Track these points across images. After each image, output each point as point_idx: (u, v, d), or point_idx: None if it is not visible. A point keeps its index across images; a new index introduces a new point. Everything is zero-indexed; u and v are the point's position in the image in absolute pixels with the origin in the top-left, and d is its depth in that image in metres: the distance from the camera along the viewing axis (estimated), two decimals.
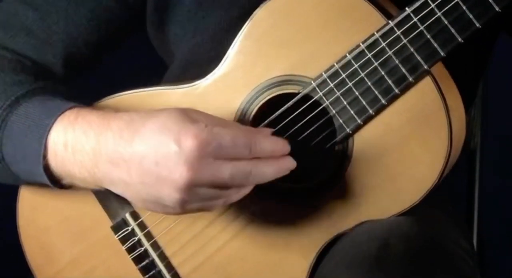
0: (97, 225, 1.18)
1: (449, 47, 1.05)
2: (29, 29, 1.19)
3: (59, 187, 1.11)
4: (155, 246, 1.17)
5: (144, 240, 1.17)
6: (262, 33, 1.12)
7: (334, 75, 1.09)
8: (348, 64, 1.09)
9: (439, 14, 1.05)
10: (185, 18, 1.21)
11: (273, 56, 1.11)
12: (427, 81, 1.07)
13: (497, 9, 1.03)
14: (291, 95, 1.11)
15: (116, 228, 1.17)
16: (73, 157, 1.06)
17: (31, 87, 1.13)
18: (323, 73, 1.10)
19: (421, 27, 1.06)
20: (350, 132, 1.10)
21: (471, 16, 1.04)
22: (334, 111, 1.10)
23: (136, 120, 1.04)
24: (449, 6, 1.04)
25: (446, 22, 1.05)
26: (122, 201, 1.16)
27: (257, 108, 1.12)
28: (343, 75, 1.09)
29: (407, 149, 1.09)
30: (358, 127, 1.10)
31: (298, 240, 1.14)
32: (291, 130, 1.12)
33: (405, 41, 1.06)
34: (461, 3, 1.04)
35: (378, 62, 1.08)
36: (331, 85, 1.09)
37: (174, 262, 1.17)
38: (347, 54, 1.09)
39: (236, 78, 1.13)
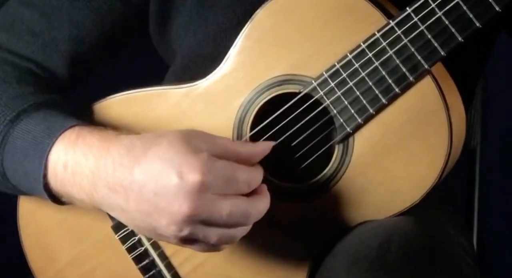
0: (97, 225, 1.18)
1: (450, 47, 1.05)
2: (34, 32, 1.19)
3: (59, 203, 1.11)
4: (156, 245, 1.17)
5: (144, 240, 1.17)
6: (263, 33, 1.12)
7: (335, 75, 1.09)
8: (348, 64, 1.09)
9: (439, 14, 1.05)
10: (187, 17, 1.21)
11: (274, 56, 1.12)
12: (427, 81, 1.08)
13: (497, 9, 1.03)
14: (292, 94, 1.11)
15: (116, 228, 1.17)
16: (72, 178, 1.06)
17: (33, 101, 1.13)
18: (324, 72, 1.10)
19: (422, 27, 1.06)
20: (351, 131, 1.10)
21: (471, 16, 1.04)
22: (334, 111, 1.10)
23: (137, 146, 1.03)
24: (449, 6, 1.04)
25: (446, 22, 1.05)
26: None
27: (258, 108, 1.12)
28: (344, 75, 1.09)
29: (407, 148, 1.09)
30: (358, 127, 1.10)
31: (297, 239, 1.14)
32: (292, 130, 1.12)
33: (405, 40, 1.06)
34: (461, 3, 1.04)
35: (378, 61, 1.08)
36: (332, 84, 1.09)
37: (174, 261, 1.17)
38: (348, 54, 1.09)
39: (237, 78, 1.13)
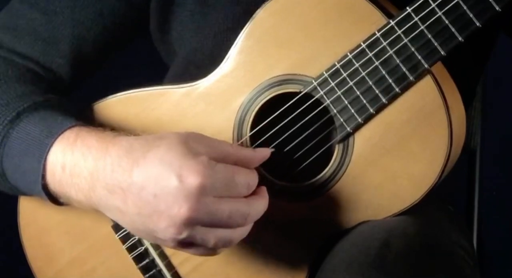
0: (97, 225, 1.18)
1: (450, 47, 1.06)
2: (36, 32, 1.19)
3: (57, 204, 1.11)
4: (156, 245, 1.17)
5: (144, 239, 1.17)
6: (263, 33, 1.12)
7: (335, 74, 1.09)
8: (349, 63, 1.09)
9: (439, 13, 1.05)
10: (188, 17, 1.21)
11: (274, 55, 1.12)
12: (427, 80, 1.08)
13: (497, 8, 1.03)
14: (292, 94, 1.11)
15: (116, 227, 1.17)
16: (71, 179, 1.06)
17: (33, 101, 1.13)
18: (324, 72, 1.10)
19: (422, 27, 1.06)
20: (351, 131, 1.10)
21: (471, 16, 1.04)
22: (335, 110, 1.10)
23: (136, 149, 1.02)
24: (449, 5, 1.04)
25: (446, 22, 1.05)
26: None
27: (258, 108, 1.12)
28: (344, 74, 1.09)
29: (407, 147, 1.09)
30: (358, 126, 1.10)
31: (297, 238, 1.14)
32: (292, 130, 1.12)
33: (406, 40, 1.06)
34: (461, 3, 1.04)
35: (379, 61, 1.08)
36: (332, 84, 1.10)
37: (175, 261, 1.17)
38: (348, 54, 1.09)
39: (237, 78, 1.13)
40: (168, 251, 1.17)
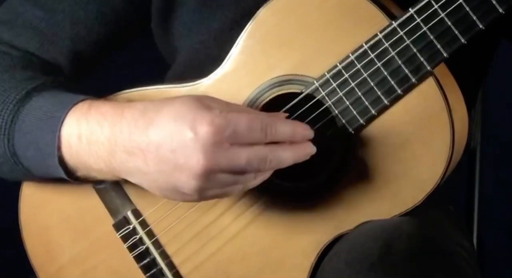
0: (99, 223, 1.18)
1: (452, 49, 1.05)
2: (36, 28, 1.19)
3: (73, 179, 1.11)
4: (157, 244, 1.17)
5: (145, 239, 1.17)
6: (265, 32, 1.12)
7: (337, 75, 1.09)
8: (351, 64, 1.09)
9: (442, 15, 1.05)
10: (189, 17, 1.21)
11: (276, 55, 1.11)
12: (430, 82, 1.07)
13: (500, 10, 1.03)
14: (294, 95, 1.11)
15: (117, 226, 1.17)
16: (88, 148, 1.06)
17: (42, 81, 1.13)
18: (326, 73, 1.10)
19: (424, 28, 1.06)
20: (352, 132, 1.10)
21: (474, 18, 1.04)
22: (336, 111, 1.10)
23: (150, 109, 1.04)
24: (452, 7, 1.04)
25: (449, 23, 1.05)
26: (124, 199, 1.17)
27: (260, 108, 1.12)
28: (346, 75, 1.09)
29: (409, 149, 1.09)
30: (360, 128, 1.10)
31: (299, 240, 1.14)
32: None
33: (408, 42, 1.06)
34: (464, 4, 1.04)
35: (381, 62, 1.08)
36: (334, 85, 1.09)
37: (176, 260, 1.17)
38: (350, 54, 1.09)
39: (238, 78, 1.13)
40: (169, 251, 1.17)
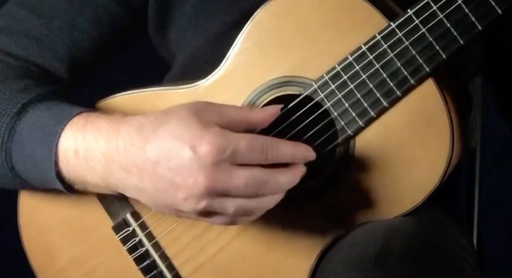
0: (98, 225, 1.18)
1: (451, 50, 1.05)
2: (33, 35, 1.18)
3: (72, 191, 1.11)
4: (156, 246, 1.17)
5: (145, 241, 1.17)
6: (263, 34, 1.11)
7: (336, 77, 1.09)
8: (349, 66, 1.08)
9: (441, 16, 1.04)
10: (186, 21, 1.21)
11: (274, 57, 1.11)
12: (429, 84, 1.07)
13: (499, 11, 1.03)
14: (292, 96, 1.11)
15: (117, 228, 1.17)
16: (85, 163, 1.06)
17: (37, 92, 1.12)
18: (325, 74, 1.09)
19: (423, 29, 1.05)
20: (352, 134, 1.10)
21: (473, 19, 1.04)
22: (335, 113, 1.10)
23: (146, 126, 1.03)
24: (451, 8, 1.04)
25: (448, 25, 1.04)
26: (123, 201, 1.16)
27: None
28: (345, 77, 1.09)
29: (408, 151, 1.09)
30: (359, 130, 1.10)
31: (299, 242, 1.14)
32: (292, 132, 1.12)
33: (407, 43, 1.06)
34: (463, 5, 1.04)
35: (379, 64, 1.07)
36: (333, 87, 1.09)
37: (176, 262, 1.17)
38: (349, 56, 1.08)
39: (237, 80, 1.13)
40: (169, 252, 1.17)
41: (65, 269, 1.20)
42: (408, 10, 1.06)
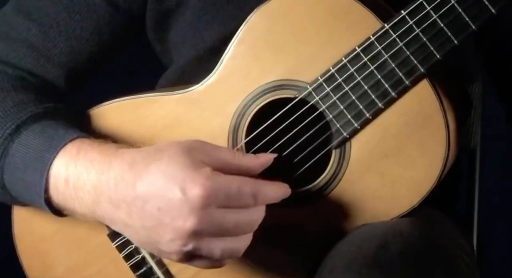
0: (93, 233, 1.17)
1: (445, 50, 1.05)
2: (30, 43, 1.18)
3: (60, 216, 1.11)
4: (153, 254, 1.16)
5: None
6: (257, 37, 1.11)
7: (330, 79, 1.08)
8: (344, 68, 1.08)
9: (435, 17, 1.04)
10: (185, 29, 1.20)
11: (268, 60, 1.11)
12: (424, 85, 1.07)
13: (493, 11, 1.02)
14: (288, 100, 1.11)
15: (112, 236, 1.17)
16: (74, 193, 1.06)
17: (32, 112, 1.12)
18: (319, 77, 1.09)
19: (417, 30, 1.05)
20: (347, 136, 1.09)
21: (467, 19, 1.03)
22: (330, 116, 1.09)
23: (138, 162, 1.02)
24: (445, 8, 1.04)
25: (441, 25, 1.04)
26: None
27: (253, 114, 1.11)
28: (339, 79, 1.08)
29: (405, 152, 1.09)
30: (355, 132, 1.09)
31: (297, 244, 1.14)
32: (288, 135, 1.11)
33: (401, 44, 1.06)
34: (456, 6, 1.03)
35: (374, 66, 1.07)
36: (328, 89, 1.09)
37: (172, 269, 1.17)
38: (343, 58, 1.08)
39: (231, 84, 1.12)
40: (166, 259, 1.16)
41: None
42: (402, 11, 1.06)
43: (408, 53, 1.05)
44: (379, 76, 1.07)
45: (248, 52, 1.11)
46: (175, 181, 1.00)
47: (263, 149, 1.12)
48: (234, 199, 1.01)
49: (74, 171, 1.06)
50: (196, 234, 1.00)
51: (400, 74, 1.06)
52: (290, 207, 1.12)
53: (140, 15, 1.21)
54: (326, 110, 1.09)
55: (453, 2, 1.03)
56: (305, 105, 1.10)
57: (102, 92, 1.17)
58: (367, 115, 1.08)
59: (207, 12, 1.18)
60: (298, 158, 1.13)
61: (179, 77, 1.23)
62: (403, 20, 1.05)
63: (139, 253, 1.17)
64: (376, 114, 1.08)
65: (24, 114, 1.11)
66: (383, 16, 1.08)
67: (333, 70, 1.08)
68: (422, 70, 1.05)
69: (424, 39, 1.05)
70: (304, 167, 1.13)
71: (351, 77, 1.08)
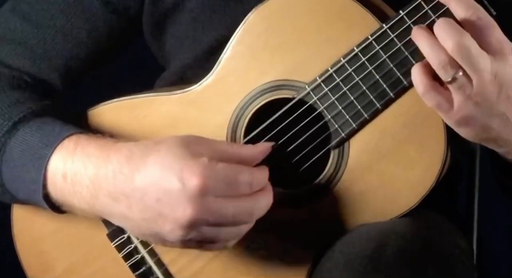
0: (93, 233, 1.17)
1: None
2: (27, 44, 1.18)
3: (59, 212, 1.11)
4: (152, 253, 1.17)
5: (140, 247, 1.17)
6: (255, 37, 1.11)
7: (329, 80, 1.08)
8: (342, 68, 1.08)
9: (433, 17, 1.04)
10: (183, 31, 1.20)
11: (266, 61, 1.11)
12: None
13: (493, 12, 1.02)
14: (286, 100, 1.10)
15: (112, 236, 1.17)
16: (72, 188, 1.07)
17: (29, 109, 1.12)
18: (317, 77, 1.09)
19: None
20: (346, 137, 1.09)
21: None
22: (329, 116, 1.09)
23: (136, 154, 1.03)
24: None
25: None
26: None
27: (251, 114, 1.11)
28: (338, 80, 1.08)
29: (403, 152, 1.09)
30: (353, 132, 1.09)
31: (296, 243, 1.14)
32: (287, 136, 1.11)
33: (399, 44, 1.05)
34: None
35: (372, 66, 1.07)
36: (326, 90, 1.09)
37: (172, 269, 1.17)
38: (341, 58, 1.08)
39: (229, 84, 1.12)
40: (165, 259, 1.16)
41: (61, 277, 1.20)
42: (400, 11, 1.05)
43: (406, 53, 1.05)
44: (378, 77, 1.07)
45: (246, 53, 1.11)
46: (173, 171, 1.00)
47: None
48: (232, 188, 1.02)
49: (72, 166, 1.06)
50: (195, 223, 1.01)
51: (399, 74, 1.06)
52: (288, 207, 1.12)
53: (137, 17, 1.21)
54: (325, 111, 1.09)
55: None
56: (304, 106, 1.10)
57: (101, 92, 1.17)
58: (365, 115, 1.08)
59: (205, 15, 1.18)
60: (297, 158, 1.13)
61: (177, 78, 1.23)
62: (401, 20, 1.05)
63: (138, 252, 1.17)
64: (374, 115, 1.08)
65: (21, 112, 1.12)
66: (382, 16, 1.08)
67: (331, 71, 1.08)
68: None
69: None
70: (303, 167, 1.13)
71: (349, 77, 1.08)
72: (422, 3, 1.04)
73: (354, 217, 1.12)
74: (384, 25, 1.06)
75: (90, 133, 1.10)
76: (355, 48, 1.07)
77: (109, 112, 1.16)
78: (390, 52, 1.06)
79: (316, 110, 1.10)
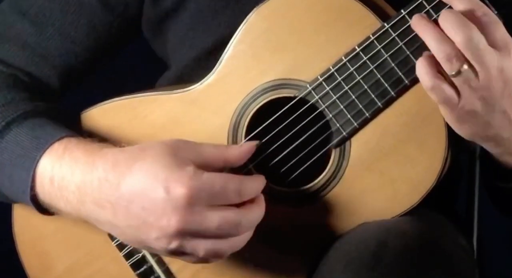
0: (94, 232, 1.16)
1: None
2: (25, 42, 1.18)
3: (47, 214, 1.11)
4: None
5: None
6: (256, 37, 1.11)
7: (330, 79, 1.09)
8: (343, 67, 1.08)
9: (435, 16, 1.04)
10: (184, 31, 1.20)
11: (267, 60, 1.11)
12: None
13: (493, 11, 1.02)
14: (287, 99, 1.11)
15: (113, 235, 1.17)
16: (59, 192, 1.07)
17: (23, 109, 1.12)
18: (319, 76, 1.09)
19: None
20: (347, 136, 1.09)
21: None
22: (330, 115, 1.09)
23: (121, 162, 1.03)
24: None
25: None
26: None
27: (252, 113, 1.11)
28: (339, 79, 1.08)
29: (404, 151, 1.09)
30: (354, 131, 1.09)
31: (296, 243, 1.14)
32: (288, 135, 1.11)
33: (401, 43, 1.06)
34: None
35: (374, 65, 1.07)
36: (327, 88, 1.09)
37: (173, 268, 1.17)
38: (343, 57, 1.08)
39: (230, 83, 1.12)
40: (166, 258, 1.16)
41: (61, 277, 1.20)
42: (402, 11, 1.06)
43: (408, 52, 1.05)
44: (379, 76, 1.07)
45: (247, 52, 1.11)
46: (158, 180, 1.00)
47: (263, 149, 1.12)
48: (218, 197, 1.02)
49: (59, 170, 1.06)
50: (180, 232, 1.01)
51: (400, 73, 1.06)
52: (289, 206, 1.12)
53: (136, 17, 1.21)
54: (326, 110, 1.09)
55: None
56: (305, 105, 1.10)
57: (101, 92, 1.17)
58: (367, 114, 1.08)
59: (206, 15, 1.18)
60: (298, 157, 1.13)
61: (179, 78, 1.23)
62: (403, 19, 1.05)
63: (139, 252, 1.17)
64: (376, 114, 1.08)
65: (15, 111, 1.12)
66: (383, 15, 1.08)
67: (333, 70, 1.08)
68: None
69: None
70: (304, 166, 1.13)
71: (350, 76, 1.08)
72: (424, 2, 1.04)
73: (355, 215, 1.12)
74: (385, 24, 1.06)
75: (81, 136, 1.10)
76: (356, 47, 1.07)
77: (109, 111, 1.16)
78: (392, 51, 1.06)
79: (318, 109, 1.10)
